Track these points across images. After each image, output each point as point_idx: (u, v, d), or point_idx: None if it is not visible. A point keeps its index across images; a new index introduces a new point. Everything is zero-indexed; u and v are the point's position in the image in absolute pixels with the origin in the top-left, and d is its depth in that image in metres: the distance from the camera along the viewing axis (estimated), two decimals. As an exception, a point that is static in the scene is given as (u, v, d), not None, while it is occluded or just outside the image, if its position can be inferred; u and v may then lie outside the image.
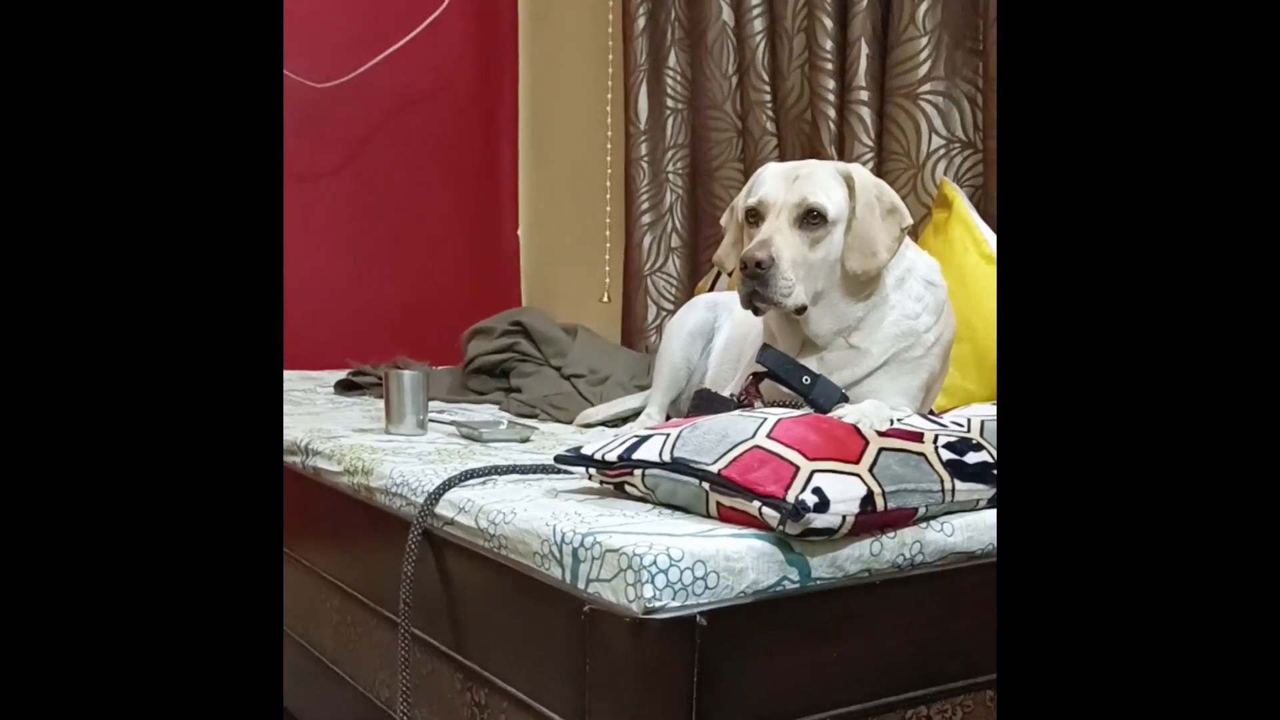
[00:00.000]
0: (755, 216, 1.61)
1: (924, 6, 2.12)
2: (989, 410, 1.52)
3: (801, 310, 1.58)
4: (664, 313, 2.85)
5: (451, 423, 2.21)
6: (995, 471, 1.36)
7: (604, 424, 2.31)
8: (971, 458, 1.35)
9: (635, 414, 2.23)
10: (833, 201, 1.57)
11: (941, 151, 2.15)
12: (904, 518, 1.28)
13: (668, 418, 2.12)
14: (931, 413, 1.72)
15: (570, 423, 2.39)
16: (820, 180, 1.58)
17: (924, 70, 2.13)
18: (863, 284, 1.60)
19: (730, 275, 1.78)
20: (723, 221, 1.78)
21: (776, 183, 1.60)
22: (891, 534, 1.28)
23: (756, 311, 1.61)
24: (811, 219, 1.56)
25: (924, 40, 2.13)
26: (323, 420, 2.27)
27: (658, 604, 1.12)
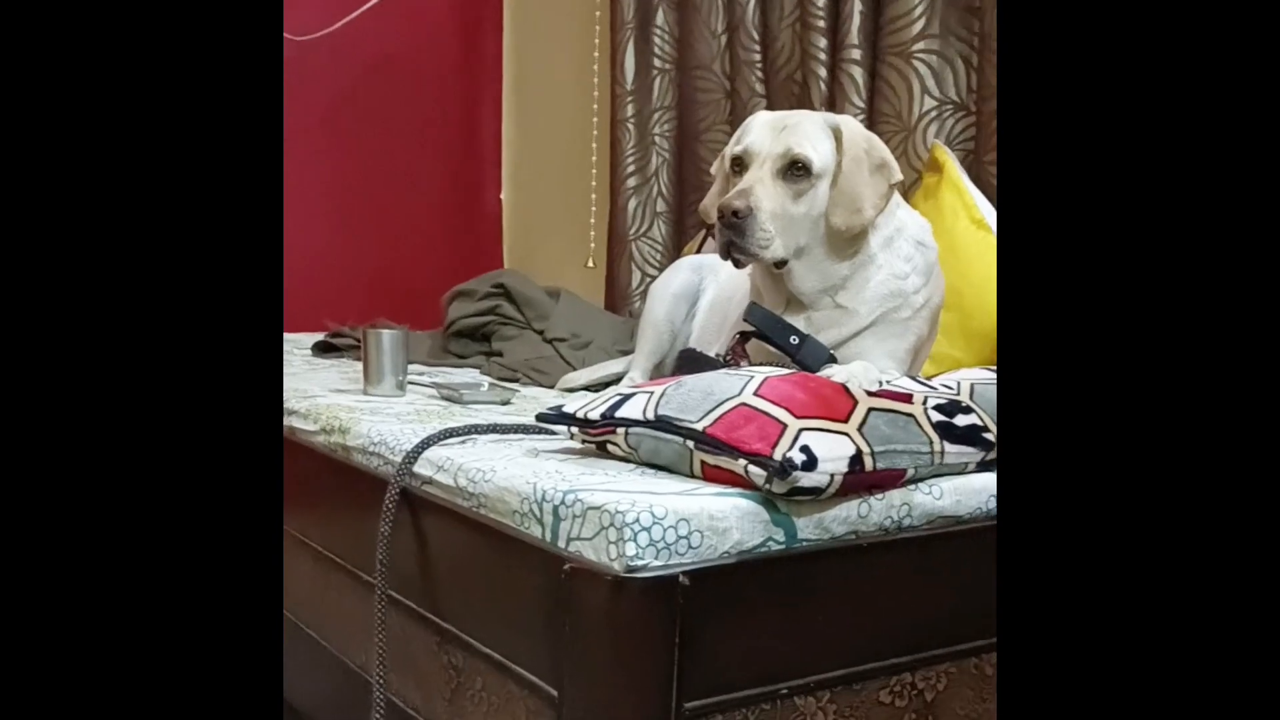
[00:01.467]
0: (740, 165, 1.57)
1: (918, -39, 2.08)
2: (979, 374, 1.50)
3: (781, 264, 1.54)
4: (648, 278, 2.81)
5: (431, 384, 2.17)
6: (986, 435, 1.34)
7: (586, 388, 2.28)
8: (961, 420, 1.33)
9: (618, 378, 2.19)
10: (818, 153, 1.54)
11: (934, 114, 2.11)
12: (892, 479, 1.25)
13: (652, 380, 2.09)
14: (914, 378, 1.70)
15: (552, 387, 2.36)
16: (807, 131, 1.55)
17: (918, 28, 2.09)
18: (847, 241, 1.57)
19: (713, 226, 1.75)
20: (714, 169, 1.75)
21: (763, 132, 1.56)
22: (879, 496, 1.26)
23: (736, 264, 1.57)
24: (796, 170, 1.53)
25: (919, -4, 2.09)
26: (299, 381, 2.23)
27: (639, 563, 1.09)
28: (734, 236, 1.50)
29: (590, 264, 3.12)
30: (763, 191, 1.51)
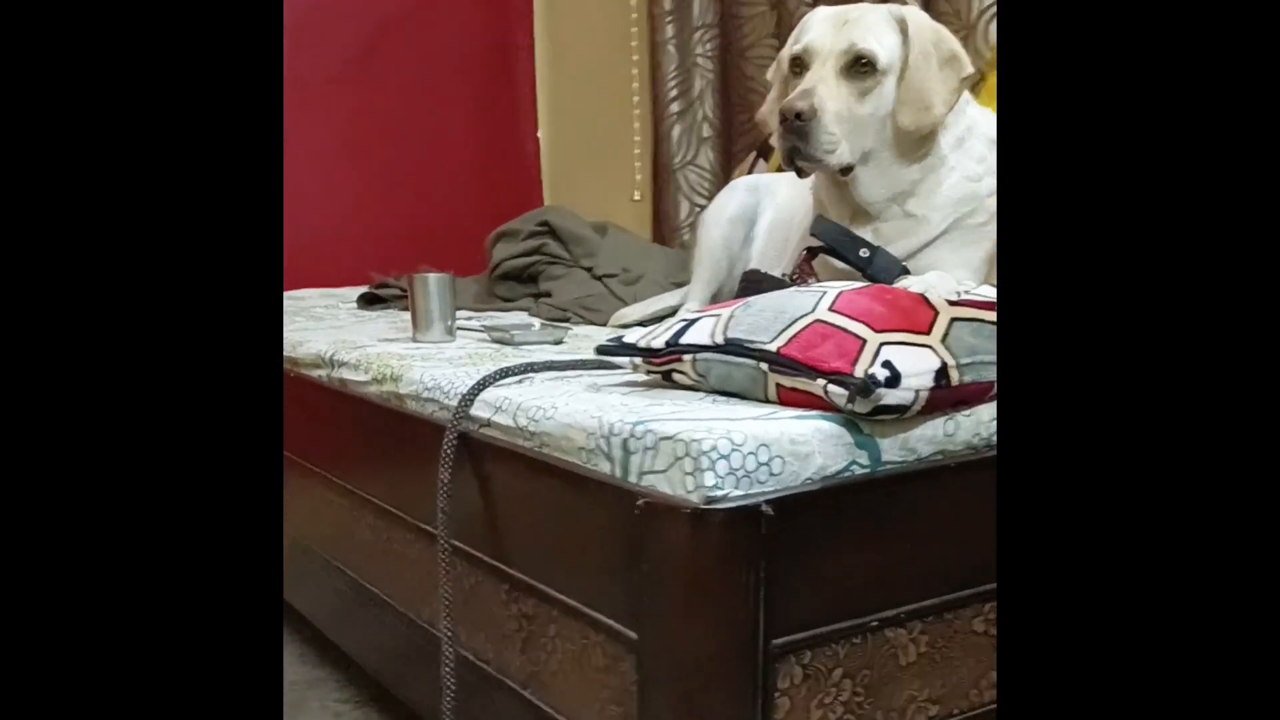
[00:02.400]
0: (800, 65, 1.48)
1: None
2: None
3: (847, 170, 1.45)
4: (697, 209, 2.73)
5: (481, 327, 2.12)
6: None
7: (640, 324, 2.21)
8: (1051, 326, 1.24)
9: (673, 312, 2.12)
10: (884, 48, 1.44)
11: (994, 9, 2.00)
12: (980, 393, 1.17)
13: (709, 312, 2.02)
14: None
15: (604, 324, 2.29)
16: (871, 24, 1.45)
17: (978, -84, 1.98)
18: (917, 142, 1.47)
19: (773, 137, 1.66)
20: (769, 75, 1.65)
21: (823, 28, 1.47)
22: (966, 412, 1.18)
23: (799, 172, 1.49)
24: (860, 67, 1.44)
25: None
26: (346, 333, 2.19)
27: (719, 493, 1.03)
28: (797, 141, 1.42)
29: (637, 196, 3.03)
30: (826, 91, 1.42)
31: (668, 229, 2.82)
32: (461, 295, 2.70)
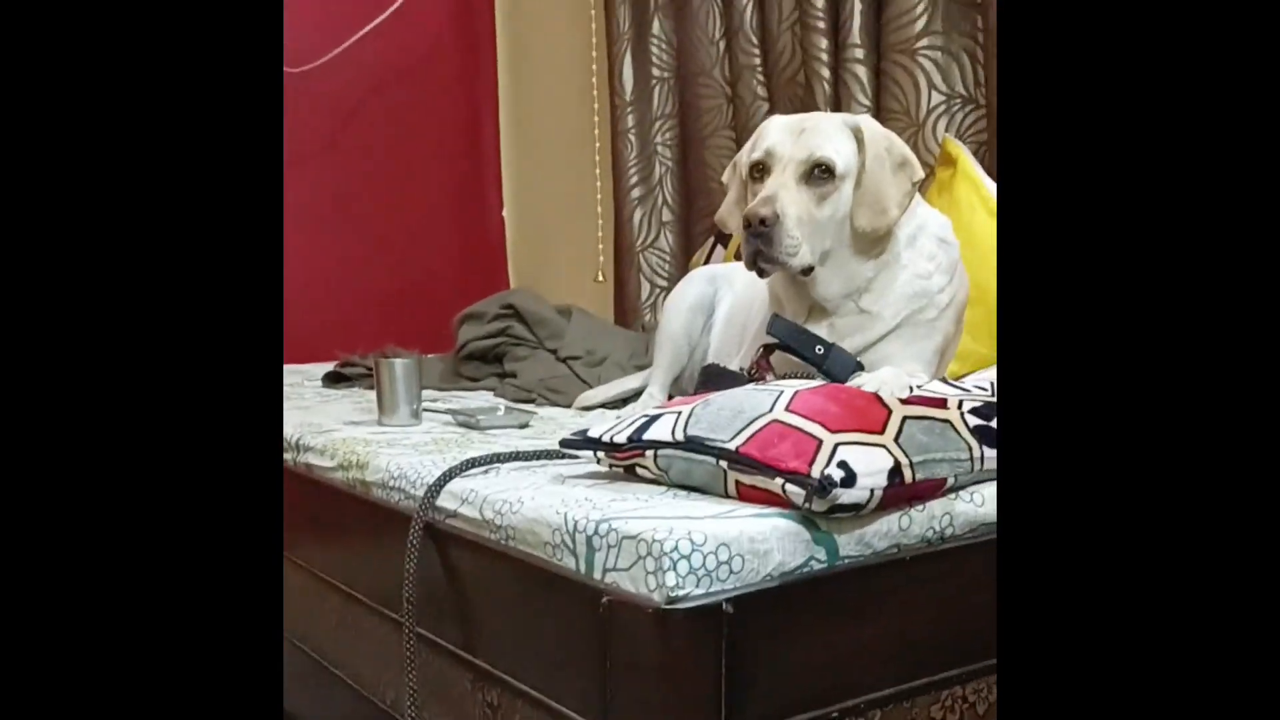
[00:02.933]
0: (760, 171, 1.53)
1: (918, -43, 2.05)
2: (1011, 372, 1.46)
3: (808, 271, 1.51)
4: (658, 290, 2.78)
5: (446, 411, 2.14)
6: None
7: (604, 406, 2.25)
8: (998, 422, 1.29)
9: (636, 394, 2.16)
10: (841, 155, 1.50)
11: (942, 108, 2.07)
12: (933, 489, 1.22)
13: (670, 397, 2.06)
14: (945, 380, 1.66)
15: (569, 406, 2.32)
16: (828, 132, 1.51)
17: (920, 25, 2.06)
18: (873, 242, 1.53)
19: (734, 235, 1.71)
20: (725, 178, 1.71)
21: (782, 135, 1.52)
22: (920, 507, 1.22)
23: (761, 273, 1.54)
24: (819, 174, 1.49)
25: (919, -7, 2.06)
26: (312, 414, 2.20)
27: (681, 592, 1.06)
28: (761, 245, 1.47)
29: (600, 278, 3.09)
30: (787, 197, 1.47)
31: (629, 309, 2.88)
32: (428, 374, 2.73)
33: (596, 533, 1.15)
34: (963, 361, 1.89)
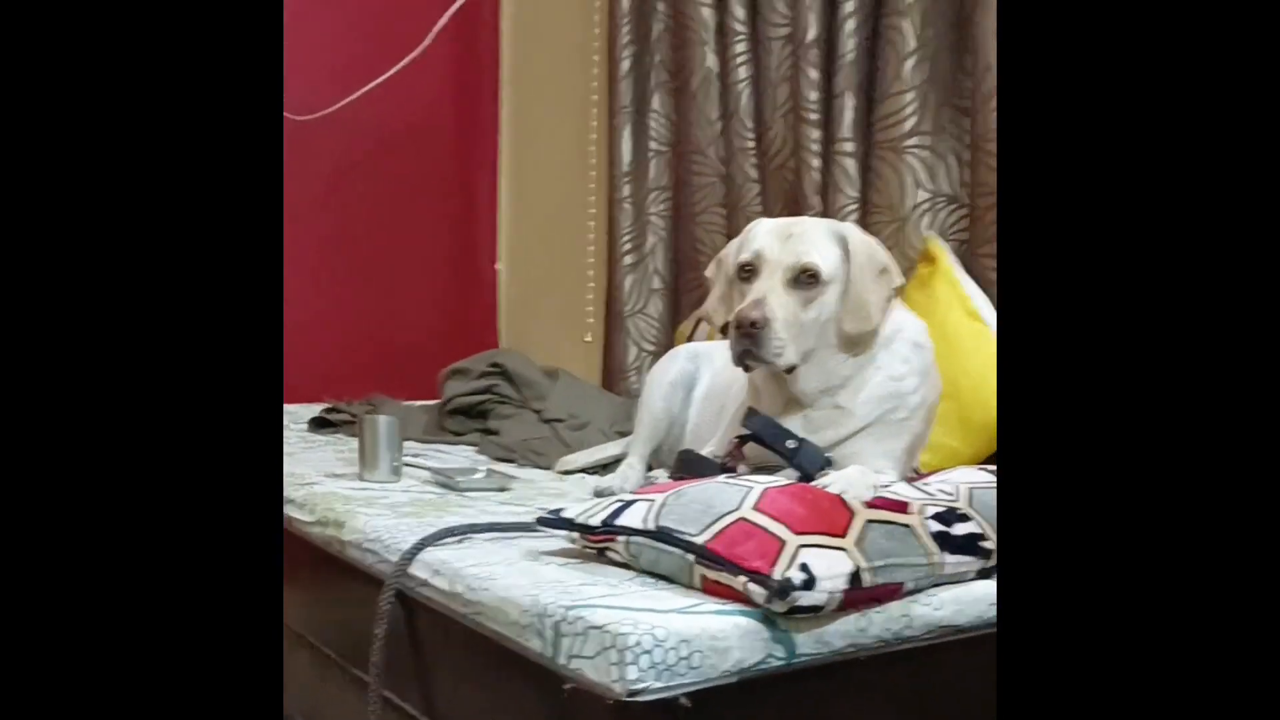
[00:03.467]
0: (748, 272, 1.58)
1: (910, 62, 2.11)
2: (976, 476, 1.50)
3: (792, 369, 1.55)
4: (645, 354, 2.83)
5: (427, 469, 2.17)
6: (984, 544, 1.34)
7: (584, 471, 2.28)
8: (959, 529, 1.33)
9: (616, 461, 2.19)
10: (827, 262, 1.55)
11: (927, 205, 2.13)
12: (891, 593, 1.25)
13: (649, 467, 2.09)
14: (917, 472, 1.70)
15: (549, 468, 2.35)
16: (815, 239, 1.56)
17: (910, 124, 2.12)
18: (854, 343, 1.58)
19: (721, 332, 1.76)
20: (708, 273, 1.76)
21: (770, 240, 1.57)
22: (879, 608, 1.25)
23: (747, 369, 1.59)
24: (805, 279, 1.54)
25: (910, 95, 2.12)
26: (295, 463, 2.23)
27: (641, 685, 1.09)
28: (750, 346, 1.51)
29: (588, 339, 3.13)
30: (775, 301, 1.52)
31: (616, 370, 2.92)
32: (412, 424, 2.76)
33: (565, 619, 1.18)
34: (935, 453, 1.94)
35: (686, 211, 2.73)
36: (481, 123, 3.61)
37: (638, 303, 2.88)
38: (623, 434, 2.35)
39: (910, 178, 2.13)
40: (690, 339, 2.55)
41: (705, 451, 1.71)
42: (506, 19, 3.60)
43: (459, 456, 2.46)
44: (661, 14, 2.81)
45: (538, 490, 2.06)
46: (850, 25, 2.22)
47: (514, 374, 2.70)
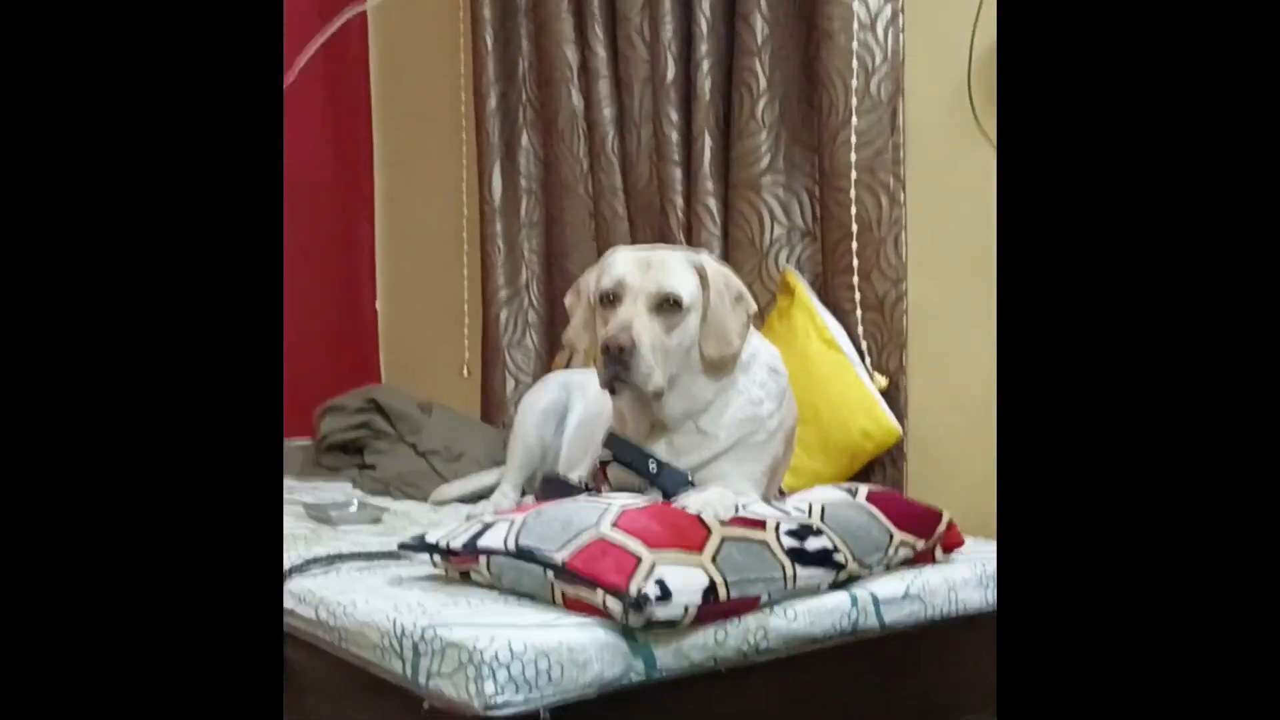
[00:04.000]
0: (610, 299, 1.62)
1: (762, 102, 2.18)
2: (831, 494, 1.56)
3: (660, 394, 1.59)
4: (522, 385, 2.84)
5: (301, 504, 2.16)
6: (836, 556, 1.39)
7: (459, 501, 2.30)
8: (812, 544, 1.38)
9: (490, 490, 2.21)
10: (687, 289, 1.60)
11: (783, 240, 2.21)
12: (747, 606, 1.30)
13: (522, 494, 2.12)
14: (781, 493, 1.76)
15: (425, 500, 2.36)
16: (673, 268, 1.61)
17: (764, 163, 2.19)
18: (716, 368, 1.63)
19: (584, 356, 1.79)
20: (567, 302, 1.79)
21: (631, 268, 1.62)
22: (735, 621, 1.30)
23: (614, 392, 1.62)
24: (668, 306, 1.59)
25: (763, 135, 2.19)
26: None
27: (500, 699, 1.11)
28: (620, 370, 1.55)
29: (466, 372, 3.14)
30: (640, 325, 1.56)
31: (494, 403, 2.93)
32: (289, 463, 2.74)
33: (422, 638, 1.20)
34: (799, 475, 2.00)
35: (559, 247, 2.77)
36: (357, 159, 3.60)
37: (514, 335, 2.90)
38: (499, 464, 2.36)
39: (767, 213, 2.20)
40: (568, 367, 2.59)
41: (574, 477, 1.74)
42: (374, 56, 3.61)
43: (334, 492, 2.45)
44: (526, 51, 2.85)
45: (411, 521, 2.07)
46: (705, 66, 2.29)
47: (389, 408, 2.70)
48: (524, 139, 2.86)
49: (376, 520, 2.07)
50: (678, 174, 2.38)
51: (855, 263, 2.08)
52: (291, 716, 1.40)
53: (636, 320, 1.57)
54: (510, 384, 2.91)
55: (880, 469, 2.08)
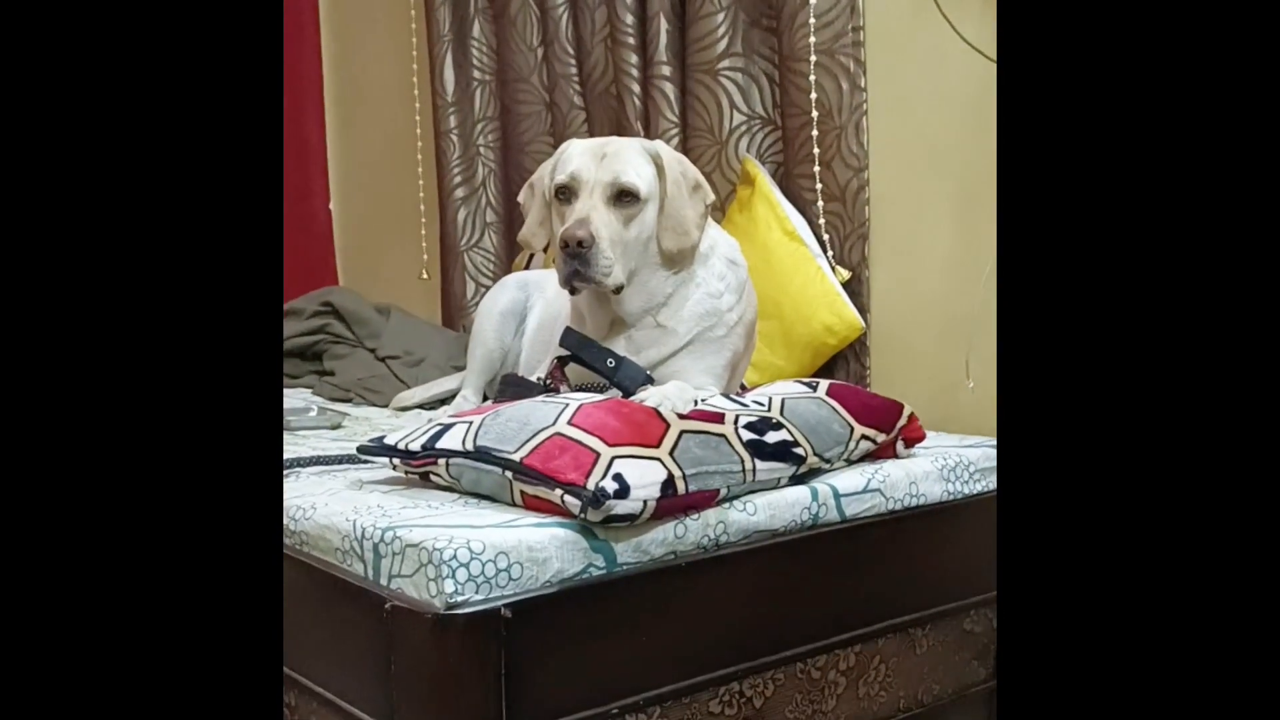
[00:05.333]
0: (566, 194, 1.58)
1: (719, -18, 2.13)
2: (791, 388, 1.55)
3: (619, 289, 1.57)
4: (482, 289, 2.81)
5: (258, 411, 2.13)
6: (796, 450, 1.39)
7: (421, 407, 2.28)
8: (771, 437, 1.38)
9: (452, 395, 2.20)
10: (643, 179, 1.57)
11: (743, 128, 2.16)
12: (706, 500, 1.29)
13: (484, 398, 2.10)
14: (743, 388, 1.75)
15: (386, 406, 2.34)
16: (629, 158, 1.57)
17: (722, 46, 2.14)
18: (674, 261, 1.60)
19: (543, 253, 1.75)
20: (521, 199, 1.75)
21: (585, 159, 1.58)
22: (695, 515, 1.29)
23: (574, 290, 1.59)
24: (624, 197, 1.55)
25: (720, 17, 2.13)
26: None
27: (460, 598, 1.11)
28: (579, 266, 1.51)
29: (424, 275, 3.10)
30: (599, 219, 1.53)
31: (454, 307, 2.90)
32: (243, 370, 2.70)
33: (382, 540, 1.19)
34: (761, 371, 1.99)
35: (515, 141, 2.71)
36: (302, 53, 3.49)
37: (472, 237, 2.86)
38: (459, 368, 2.35)
39: (726, 101, 2.15)
40: (528, 268, 2.55)
41: (533, 378, 1.72)
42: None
43: (294, 398, 2.43)
44: (473, -65, 2.76)
45: (372, 427, 2.05)
46: (660, -56, 2.22)
47: (346, 312, 2.66)
48: (476, 28, 2.77)
49: (337, 426, 2.05)
50: (633, 59, 2.32)
51: (816, 151, 2.04)
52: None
53: (594, 214, 1.53)
54: (470, 288, 2.88)
55: (843, 363, 2.08)
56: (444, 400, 2.23)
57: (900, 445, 1.58)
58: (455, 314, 2.90)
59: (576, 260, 1.52)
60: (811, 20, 2.02)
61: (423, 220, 3.09)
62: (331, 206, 3.57)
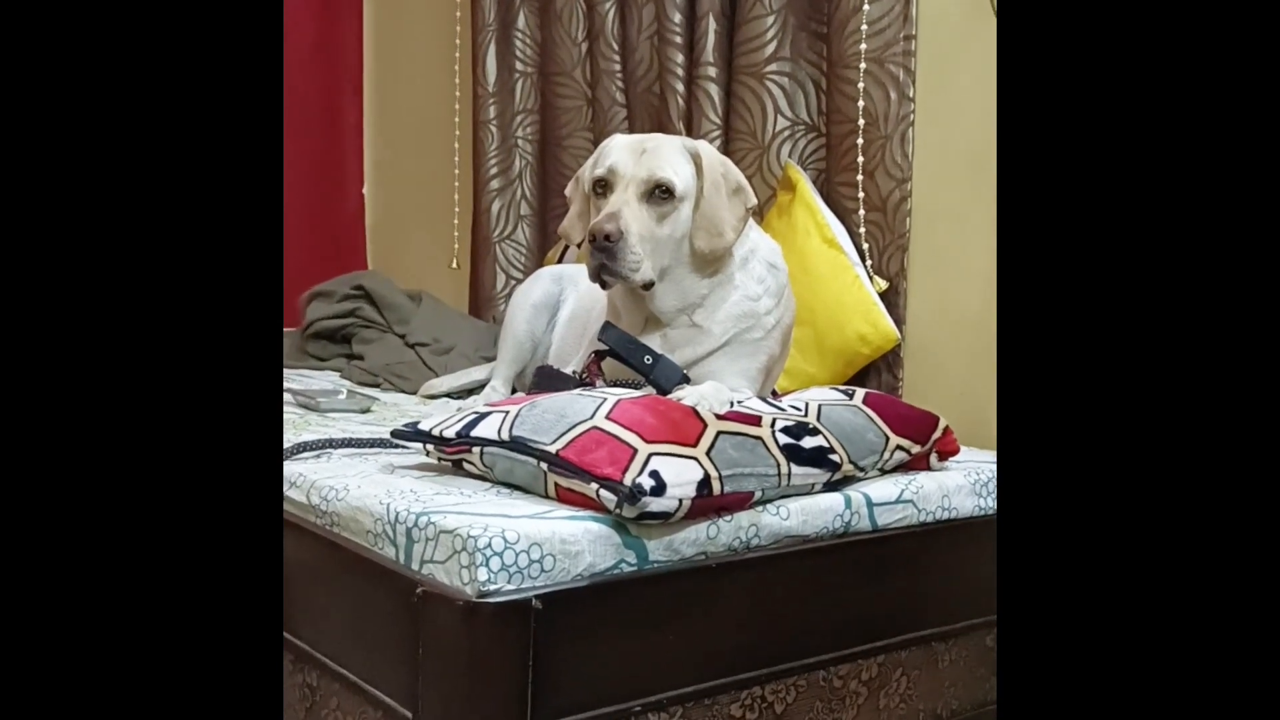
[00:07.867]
0: (603, 187, 1.59)
1: (770, -16, 2.12)
2: (827, 394, 1.55)
3: (649, 286, 1.57)
4: (513, 281, 2.81)
5: (288, 390, 2.14)
6: (832, 457, 1.38)
7: (449, 395, 2.28)
8: (808, 442, 1.37)
9: (480, 386, 2.20)
10: (680, 177, 1.57)
11: (786, 133, 2.16)
12: (740, 501, 1.29)
13: (513, 390, 2.10)
14: (775, 394, 1.74)
15: (414, 393, 2.34)
16: (668, 155, 1.57)
17: (770, 50, 2.13)
18: (709, 262, 1.60)
19: (578, 247, 1.76)
20: (568, 192, 1.76)
21: (624, 154, 1.58)
22: (728, 517, 1.29)
23: (604, 285, 1.59)
24: (659, 194, 1.55)
25: (770, 19, 2.13)
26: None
27: (492, 587, 1.11)
28: (606, 260, 1.52)
29: (454, 265, 3.10)
30: (630, 214, 1.53)
31: (483, 298, 2.90)
32: (272, 350, 2.70)
33: (416, 525, 1.19)
34: (793, 378, 1.99)
35: (553, 136, 2.71)
36: (343, 34, 3.49)
37: (505, 229, 2.86)
38: (487, 359, 2.35)
39: (770, 105, 2.14)
40: (560, 262, 2.55)
41: (567, 370, 1.72)
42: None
43: (322, 380, 2.44)
44: (523, -73, 2.76)
45: (401, 413, 2.05)
46: (712, -55, 2.22)
47: (377, 296, 2.66)
48: (521, 20, 2.77)
49: (366, 410, 2.05)
50: (679, 58, 2.32)
51: (860, 159, 2.04)
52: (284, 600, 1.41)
53: (625, 209, 1.53)
54: (500, 279, 2.88)
55: (876, 374, 2.07)
56: (472, 390, 2.23)
57: (934, 458, 1.57)
58: (483, 305, 2.90)
59: (604, 254, 1.52)
60: (864, 27, 2.01)
61: (456, 209, 3.09)
62: (365, 190, 3.57)
